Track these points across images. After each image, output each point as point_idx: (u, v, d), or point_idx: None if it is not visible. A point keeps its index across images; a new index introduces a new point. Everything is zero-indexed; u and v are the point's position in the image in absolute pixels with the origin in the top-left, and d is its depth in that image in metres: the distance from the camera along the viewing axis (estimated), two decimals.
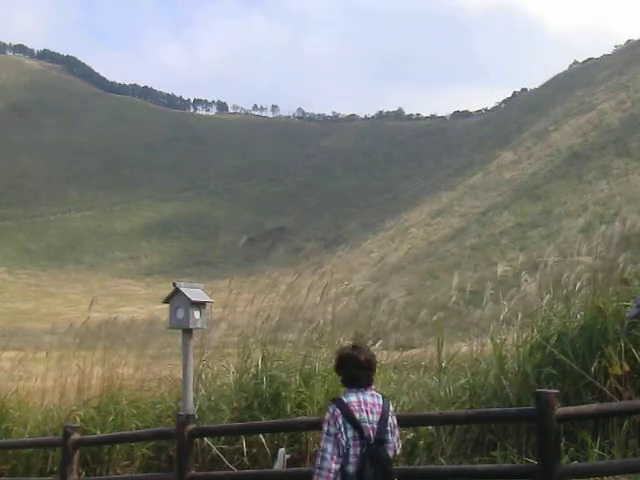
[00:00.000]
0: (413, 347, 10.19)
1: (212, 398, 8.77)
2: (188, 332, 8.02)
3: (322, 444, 4.73)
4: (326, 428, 4.73)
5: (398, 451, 5.02)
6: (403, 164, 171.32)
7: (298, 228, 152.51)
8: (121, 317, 11.36)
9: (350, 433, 4.68)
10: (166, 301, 8.12)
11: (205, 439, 8.02)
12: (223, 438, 8.16)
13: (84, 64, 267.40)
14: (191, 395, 8.02)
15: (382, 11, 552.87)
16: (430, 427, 7.35)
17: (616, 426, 6.42)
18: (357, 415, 4.71)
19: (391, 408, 4.92)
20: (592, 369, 6.75)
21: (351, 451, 4.67)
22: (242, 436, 8.03)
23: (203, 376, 9.20)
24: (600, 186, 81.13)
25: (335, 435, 4.68)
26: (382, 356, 9.45)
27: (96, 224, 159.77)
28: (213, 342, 9.59)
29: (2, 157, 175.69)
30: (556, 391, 5.73)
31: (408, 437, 7.44)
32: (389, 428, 4.84)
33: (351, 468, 4.67)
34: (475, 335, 8.68)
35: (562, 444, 5.82)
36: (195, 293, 8.02)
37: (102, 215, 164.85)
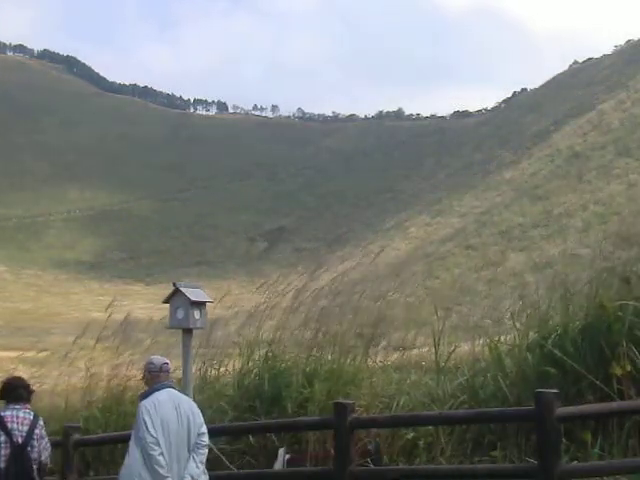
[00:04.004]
0: (414, 347, 10.16)
1: (213, 398, 8.76)
2: (188, 332, 8.02)
3: None
4: None
5: (43, 457, 6.42)
6: (403, 164, 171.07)
7: (298, 228, 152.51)
8: (122, 317, 11.34)
9: (2, 438, 6.24)
10: (166, 301, 8.12)
11: None
12: (223, 438, 8.16)
13: (84, 64, 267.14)
14: (191, 395, 8.01)
15: (381, 12, 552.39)
16: (430, 427, 7.35)
17: (616, 426, 6.41)
18: (9, 425, 6.27)
19: (41, 423, 6.48)
20: (594, 369, 6.74)
21: (2, 452, 6.22)
22: (242, 436, 8.03)
23: (204, 374, 9.19)
24: (600, 186, 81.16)
25: None
26: (382, 356, 9.45)
27: (96, 224, 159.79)
28: (214, 342, 9.58)
29: (2, 157, 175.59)
30: (556, 391, 5.71)
31: (408, 437, 7.43)
32: (35, 437, 6.38)
33: (2, 464, 6.20)
34: (476, 335, 8.67)
35: (562, 444, 5.81)
36: (195, 293, 8.01)
37: (102, 215, 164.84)
